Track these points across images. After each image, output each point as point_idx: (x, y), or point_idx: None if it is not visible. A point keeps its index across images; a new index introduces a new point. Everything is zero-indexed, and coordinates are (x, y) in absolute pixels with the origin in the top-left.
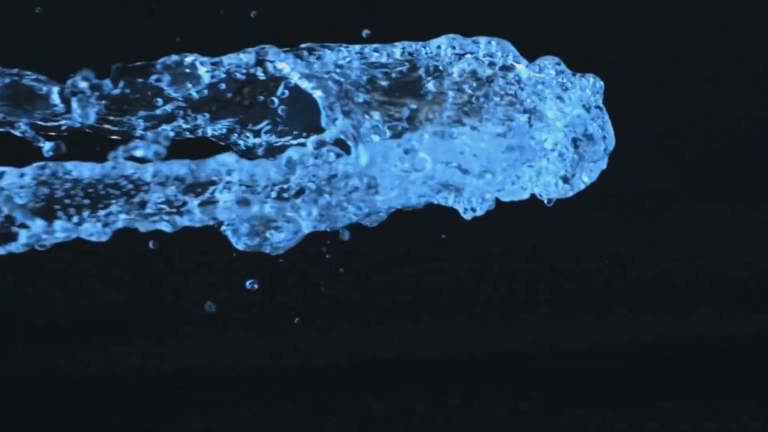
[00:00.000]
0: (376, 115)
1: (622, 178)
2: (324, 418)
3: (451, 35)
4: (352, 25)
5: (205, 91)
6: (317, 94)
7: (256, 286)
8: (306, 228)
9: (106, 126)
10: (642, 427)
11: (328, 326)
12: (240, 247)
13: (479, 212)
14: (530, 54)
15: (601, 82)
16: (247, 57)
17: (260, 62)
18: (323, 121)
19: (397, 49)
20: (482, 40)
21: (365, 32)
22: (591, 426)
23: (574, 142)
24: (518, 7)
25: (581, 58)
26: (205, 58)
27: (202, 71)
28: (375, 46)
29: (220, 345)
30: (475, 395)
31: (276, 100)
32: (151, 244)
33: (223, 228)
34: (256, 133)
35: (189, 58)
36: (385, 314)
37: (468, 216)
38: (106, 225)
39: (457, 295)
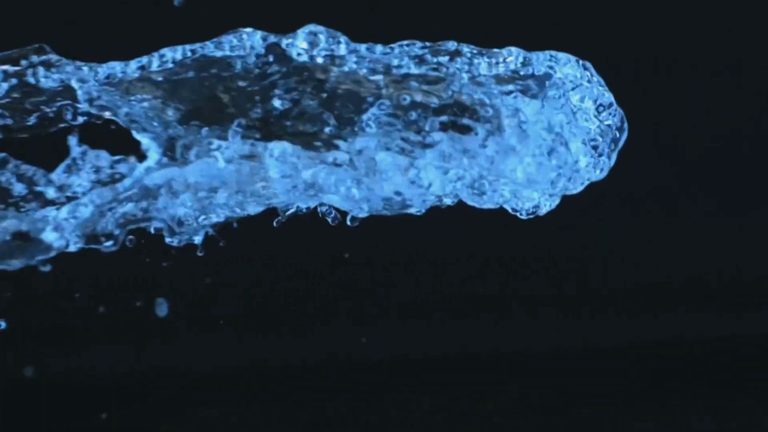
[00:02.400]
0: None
1: (622, 178)
2: (324, 418)
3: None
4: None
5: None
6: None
7: (3, 325)
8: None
9: None
10: (642, 427)
11: (328, 326)
12: None
13: (362, 214)
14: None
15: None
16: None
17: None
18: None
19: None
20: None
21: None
22: (591, 426)
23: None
24: (518, 7)
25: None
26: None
27: None
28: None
29: (220, 345)
30: (474, 395)
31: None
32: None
33: None
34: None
35: None
36: (385, 314)
37: (349, 221)
38: None
39: (456, 296)
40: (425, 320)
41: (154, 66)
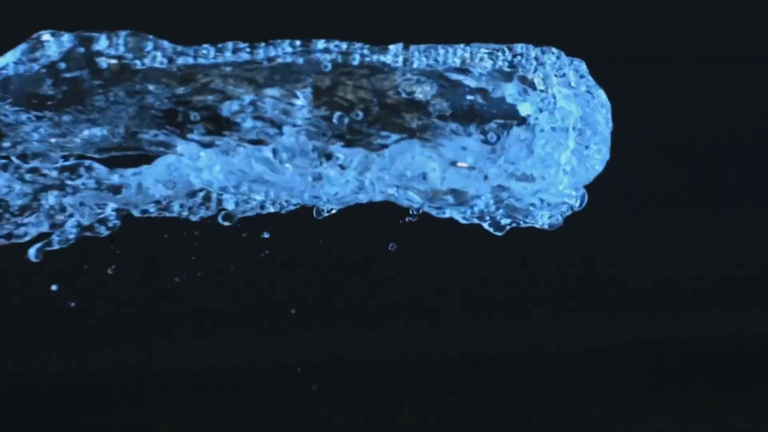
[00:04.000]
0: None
1: (622, 178)
2: (324, 418)
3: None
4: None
5: None
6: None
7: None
8: None
9: None
10: (642, 427)
11: (327, 326)
12: None
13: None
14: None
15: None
16: None
17: None
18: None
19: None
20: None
21: None
22: (591, 426)
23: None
24: (517, 7)
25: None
26: None
27: None
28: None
29: (220, 345)
30: (475, 395)
31: None
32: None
33: None
34: None
35: None
36: (385, 314)
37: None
38: None
39: (456, 296)
40: (425, 320)
41: None
